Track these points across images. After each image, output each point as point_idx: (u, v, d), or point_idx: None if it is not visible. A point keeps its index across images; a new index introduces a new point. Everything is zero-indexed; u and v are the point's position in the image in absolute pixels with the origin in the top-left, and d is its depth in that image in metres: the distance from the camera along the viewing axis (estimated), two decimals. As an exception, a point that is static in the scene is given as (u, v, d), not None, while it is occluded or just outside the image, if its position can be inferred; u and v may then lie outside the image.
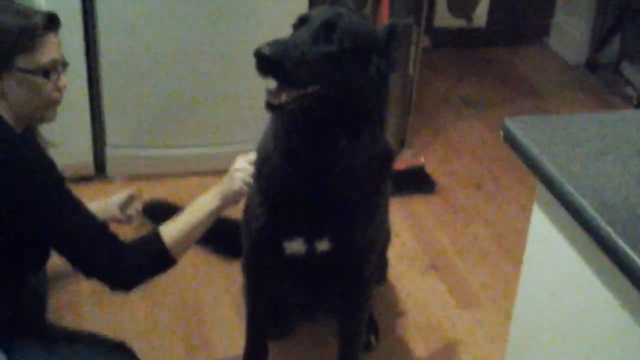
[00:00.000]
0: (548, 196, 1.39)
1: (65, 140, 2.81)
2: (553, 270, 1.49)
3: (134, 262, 1.92)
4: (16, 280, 2.01)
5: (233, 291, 2.67)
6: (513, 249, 3.00)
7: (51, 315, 2.43)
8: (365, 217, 2.02)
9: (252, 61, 2.89)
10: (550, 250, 1.48)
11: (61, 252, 1.93)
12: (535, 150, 1.41)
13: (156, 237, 1.96)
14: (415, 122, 3.62)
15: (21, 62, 1.81)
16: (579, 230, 1.32)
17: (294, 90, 1.75)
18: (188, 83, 3.04)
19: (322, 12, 1.82)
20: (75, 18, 2.80)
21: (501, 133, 1.49)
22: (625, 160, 1.40)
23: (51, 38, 1.87)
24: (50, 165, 1.87)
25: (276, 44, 1.71)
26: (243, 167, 1.98)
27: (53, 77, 1.88)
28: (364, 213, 2.01)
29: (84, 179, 3.12)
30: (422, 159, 3.39)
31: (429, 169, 3.36)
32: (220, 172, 3.09)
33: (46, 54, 1.85)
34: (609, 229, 1.24)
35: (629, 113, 1.51)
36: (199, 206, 2.03)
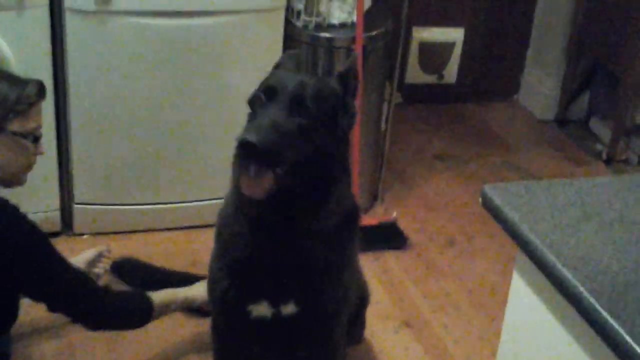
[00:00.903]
0: (528, 264, 1.38)
1: (33, 195, 2.81)
2: (533, 339, 1.47)
3: (115, 309, 2.17)
4: None
5: (201, 348, 2.61)
6: (486, 304, 2.99)
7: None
8: (332, 278, 1.99)
9: (219, 120, 2.96)
10: (530, 318, 1.46)
11: (49, 302, 2.07)
12: (514, 217, 1.40)
13: (145, 296, 2.27)
14: (388, 176, 3.62)
15: (14, 125, 1.93)
16: (560, 300, 1.30)
17: (270, 172, 1.71)
18: (157, 140, 3.04)
19: (289, 84, 1.78)
20: (46, 75, 2.77)
21: (480, 199, 1.48)
22: (607, 228, 1.39)
23: (40, 105, 2.04)
24: (32, 224, 1.98)
25: (258, 130, 1.67)
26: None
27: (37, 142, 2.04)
28: (331, 274, 1.99)
29: (52, 235, 3.03)
30: (394, 214, 3.38)
31: (401, 224, 3.35)
32: (190, 228, 3.14)
33: (34, 120, 2.01)
34: (592, 300, 1.22)
35: (608, 179, 1.51)
36: (179, 291, 2.41)
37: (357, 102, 3.04)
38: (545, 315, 1.41)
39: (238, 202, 1.86)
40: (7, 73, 2.05)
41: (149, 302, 2.25)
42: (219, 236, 1.97)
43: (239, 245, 1.91)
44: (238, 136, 1.68)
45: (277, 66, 1.96)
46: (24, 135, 1.97)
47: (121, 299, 2.22)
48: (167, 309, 2.34)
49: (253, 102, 1.81)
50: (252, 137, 1.64)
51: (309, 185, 1.79)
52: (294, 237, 1.87)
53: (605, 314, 1.21)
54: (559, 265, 1.30)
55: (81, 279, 2.12)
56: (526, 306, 1.46)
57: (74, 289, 2.06)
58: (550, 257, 1.32)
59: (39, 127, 2.04)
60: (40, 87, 2.03)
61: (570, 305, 1.28)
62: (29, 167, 2.06)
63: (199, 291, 2.41)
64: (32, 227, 1.96)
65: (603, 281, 1.27)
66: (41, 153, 2.09)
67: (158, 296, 2.29)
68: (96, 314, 2.14)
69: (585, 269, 1.30)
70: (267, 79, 1.84)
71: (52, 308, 2.10)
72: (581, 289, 1.26)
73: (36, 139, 2.03)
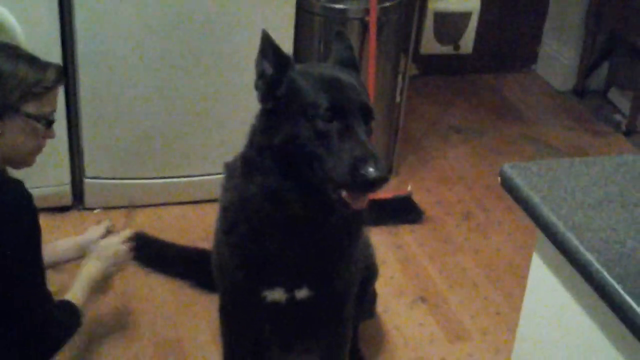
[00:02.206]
0: (549, 247, 1.33)
1: (44, 170, 2.79)
2: (554, 325, 1.43)
3: (60, 321, 2.03)
4: None
5: (214, 326, 2.59)
6: (503, 279, 2.96)
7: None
8: (343, 261, 1.98)
9: (231, 92, 2.92)
10: (551, 302, 1.42)
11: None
12: (535, 198, 1.35)
13: (68, 301, 2.11)
14: (403, 149, 3.58)
15: (29, 107, 1.92)
16: (583, 284, 1.26)
17: None
18: (168, 113, 3.01)
19: (351, 94, 1.72)
20: (55, 49, 2.75)
21: (498, 178, 1.43)
22: (631, 209, 1.34)
23: (57, 90, 2.01)
24: (35, 218, 1.91)
25: (375, 162, 1.63)
26: (116, 249, 2.34)
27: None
28: (342, 257, 1.97)
29: (62, 209, 3.07)
30: (409, 188, 3.34)
31: (416, 198, 3.31)
32: (202, 202, 3.11)
33: (50, 104, 1.98)
34: (616, 285, 1.18)
35: (632, 158, 1.45)
36: (85, 274, 2.25)
37: (370, 77, 3.03)
38: (567, 300, 1.37)
39: (271, 205, 1.79)
40: (28, 54, 1.99)
41: (73, 305, 2.11)
42: (230, 230, 1.92)
43: (259, 240, 1.88)
44: (341, 170, 1.63)
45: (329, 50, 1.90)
46: (37, 119, 1.94)
47: (60, 313, 2.06)
48: (88, 297, 2.20)
49: (268, 99, 1.76)
50: (380, 173, 1.62)
51: None
52: (314, 227, 1.84)
53: (629, 299, 1.17)
54: (581, 249, 1.26)
55: (47, 302, 1.99)
56: (547, 290, 1.42)
57: (37, 306, 1.95)
58: (573, 240, 1.27)
59: (54, 111, 2.01)
60: (60, 72, 2.01)
61: (593, 290, 1.24)
62: (38, 150, 2.02)
63: (96, 268, 2.27)
64: (34, 220, 1.90)
65: (627, 265, 1.23)
66: (52, 137, 2.05)
67: (72, 294, 2.14)
68: (47, 334, 2.00)
69: (609, 252, 1.25)
70: (310, 86, 1.72)
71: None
72: (605, 273, 1.21)
73: (49, 123, 2.00)
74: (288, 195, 1.75)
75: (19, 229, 1.87)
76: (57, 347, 2.05)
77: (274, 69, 1.76)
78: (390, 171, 1.91)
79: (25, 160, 2.03)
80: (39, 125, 1.96)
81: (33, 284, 1.94)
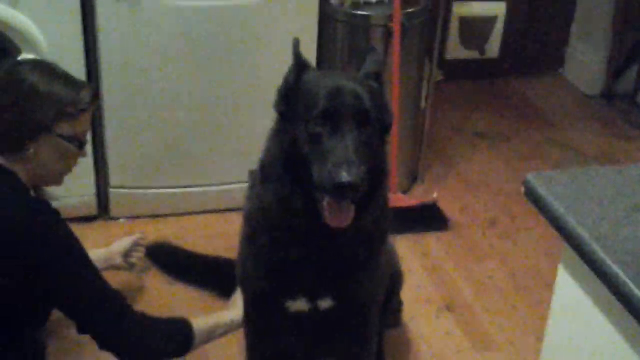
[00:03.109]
0: (575, 259, 1.30)
1: (69, 180, 2.79)
2: (581, 339, 1.40)
3: (155, 338, 2.01)
4: (18, 335, 1.99)
5: (239, 337, 2.58)
6: (530, 287, 2.92)
7: (52, 364, 2.38)
8: (366, 271, 1.96)
9: (254, 101, 2.92)
10: (577, 314, 1.39)
11: (81, 325, 1.97)
12: (560, 208, 1.32)
13: (186, 323, 2.08)
14: (428, 156, 3.55)
15: (63, 129, 1.91)
16: (610, 298, 1.23)
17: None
18: (192, 122, 3.01)
19: (347, 99, 1.70)
20: (78, 60, 2.76)
21: (522, 189, 1.40)
22: (660, 220, 1.31)
23: (91, 111, 2.00)
24: (69, 232, 1.92)
25: (349, 167, 1.60)
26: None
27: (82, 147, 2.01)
28: (368, 268, 1.95)
29: (88, 219, 3.07)
30: (435, 195, 3.31)
31: (442, 205, 3.28)
32: (226, 211, 3.10)
33: (83, 125, 1.97)
34: (645, 299, 1.15)
35: (661, 166, 1.42)
36: (224, 315, 2.22)
37: (395, 83, 3.01)
38: (594, 313, 1.34)
39: (286, 213, 1.79)
40: (63, 72, 1.99)
41: (189, 329, 2.08)
42: (253, 240, 1.91)
43: (280, 249, 1.86)
44: (321, 174, 1.62)
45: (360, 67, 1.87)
46: (70, 140, 1.93)
47: (160, 327, 2.05)
48: (211, 335, 2.16)
49: (283, 109, 1.76)
50: (351, 179, 1.58)
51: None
52: (339, 238, 1.81)
53: (659, 314, 1.14)
54: (608, 261, 1.23)
55: (117, 300, 1.98)
56: (573, 302, 1.39)
57: (106, 309, 1.94)
58: (599, 252, 1.24)
59: (87, 132, 2.01)
60: (95, 93, 2.01)
61: (620, 303, 1.21)
62: (69, 170, 2.03)
63: (240, 311, 2.24)
64: (70, 237, 1.91)
65: (656, 279, 1.20)
66: (84, 156, 2.05)
67: (201, 322, 2.12)
68: (130, 345, 1.98)
69: (637, 264, 1.22)
70: (313, 91, 1.72)
71: (81, 329, 1.99)
72: (632, 286, 1.18)
73: (82, 145, 1.99)
74: (297, 203, 1.75)
75: (56, 244, 1.87)
76: (139, 355, 2.03)
77: (294, 77, 1.77)
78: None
79: (55, 180, 2.04)
80: (72, 147, 1.95)
81: (92, 290, 1.93)
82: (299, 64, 1.78)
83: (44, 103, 1.88)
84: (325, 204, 1.67)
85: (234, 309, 2.25)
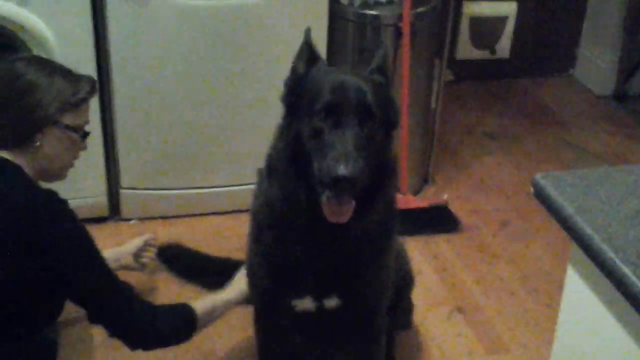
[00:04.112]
0: (584, 259, 1.29)
1: (80, 181, 2.81)
2: (590, 339, 1.39)
3: (163, 324, 2.05)
4: (30, 332, 2.00)
5: (249, 337, 2.59)
6: (541, 290, 2.91)
7: (63, 364, 2.38)
8: (373, 270, 1.96)
9: (265, 102, 2.91)
10: (587, 317, 1.38)
11: (92, 313, 2.03)
12: (569, 209, 1.31)
13: (188, 306, 2.14)
14: (439, 157, 3.54)
15: (67, 119, 1.97)
16: (620, 298, 1.22)
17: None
18: (203, 123, 3.01)
19: (350, 93, 1.69)
20: (89, 61, 2.77)
21: (531, 189, 1.39)
22: (670, 220, 1.30)
23: (89, 102, 2.05)
24: (78, 221, 1.95)
25: (347, 160, 1.59)
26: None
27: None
28: (373, 267, 1.95)
29: (99, 220, 3.08)
30: (445, 197, 3.31)
31: (452, 207, 3.27)
32: (237, 212, 3.10)
33: (84, 115, 2.03)
34: (655, 300, 1.14)
35: (670, 166, 1.41)
36: (220, 296, 2.28)
37: (405, 84, 3.01)
38: (603, 314, 1.33)
39: (289, 209, 1.79)
40: (62, 66, 2.05)
41: (192, 314, 2.13)
42: (258, 237, 1.92)
43: (284, 246, 1.86)
44: (321, 167, 1.62)
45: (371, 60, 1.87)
46: (75, 130, 2.00)
47: (166, 314, 2.10)
48: (210, 317, 2.22)
49: (292, 105, 1.76)
50: (348, 172, 1.58)
51: (366, 187, 1.72)
52: (343, 235, 1.81)
53: (668, 314, 1.13)
54: (617, 261, 1.22)
55: (125, 291, 2.04)
56: (582, 304, 1.38)
57: (116, 296, 2.00)
58: (609, 252, 1.23)
59: (87, 122, 2.07)
60: (93, 83, 2.06)
61: (629, 304, 1.20)
62: (72, 163, 2.08)
63: (236, 291, 2.33)
64: (78, 225, 1.94)
65: (665, 279, 1.19)
66: (84, 149, 2.10)
67: (200, 305, 2.18)
68: (140, 331, 2.04)
69: (647, 266, 1.22)
70: (318, 86, 1.73)
71: (92, 318, 2.05)
72: (642, 287, 1.18)
73: (85, 135, 2.06)
74: (301, 199, 1.74)
75: (65, 233, 1.89)
76: (149, 342, 2.09)
77: (305, 67, 1.78)
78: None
79: (60, 173, 2.07)
80: (76, 137, 2.00)
81: (102, 277, 1.97)
82: (310, 55, 1.79)
83: (47, 96, 1.94)
84: (324, 198, 1.66)
85: (231, 289, 2.31)
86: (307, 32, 1.80)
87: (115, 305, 2.00)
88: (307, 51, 1.79)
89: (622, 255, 1.22)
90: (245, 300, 2.29)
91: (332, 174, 1.59)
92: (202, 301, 2.21)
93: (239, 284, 2.28)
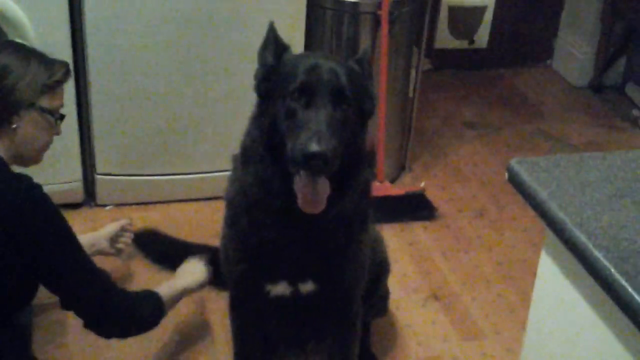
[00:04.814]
0: (557, 244, 1.30)
1: (55, 167, 2.79)
2: (562, 323, 1.40)
3: (139, 311, 2.10)
4: (1, 315, 2.00)
5: (225, 323, 2.58)
6: (517, 277, 2.92)
7: (37, 349, 2.36)
8: (348, 255, 1.97)
9: (241, 89, 2.90)
10: (559, 301, 1.39)
11: (67, 300, 2.02)
12: (542, 194, 1.32)
13: (156, 293, 2.17)
14: (416, 145, 3.55)
15: (43, 102, 2.00)
16: (591, 282, 1.23)
17: (327, 183, 1.69)
18: (178, 109, 3.00)
19: (324, 75, 1.71)
20: (65, 46, 2.75)
21: (505, 175, 1.40)
22: (641, 205, 1.31)
23: (64, 85, 2.09)
24: (53, 206, 1.95)
25: (319, 137, 1.60)
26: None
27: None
28: (348, 252, 1.96)
29: (74, 206, 3.06)
30: (422, 184, 3.31)
31: (429, 195, 3.28)
32: (213, 199, 3.10)
33: (60, 98, 2.06)
34: (625, 283, 1.15)
35: (643, 152, 1.42)
36: (177, 283, 2.34)
37: (382, 72, 3.01)
38: (575, 298, 1.34)
39: (264, 195, 1.80)
40: (36, 51, 2.07)
41: (160, 300, 2.16)
42: (233, 222, 1.93)
43: (258, 231, 1.87)
44: (294, 146, 1.63)
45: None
46: (51, 112, 2.02)
47: (139, 300, 2.13)
48: (172, 303, 2.26)
49: (264, 91, 1.79)
50: (320, 148, 1.59)
51: (339, 172, 1.72)
52: (317, 221, 1.81)
53: (637, 297, 1.14)
54: (589, 246, 1.23)
55: (103, 277, 2.06)
56: (555, 288, 1.39)
57: (91, 284, 2.00)
58: (581, 237, 1.24)
59: (62, 106, 2.09)
60: (67, 67, 2.09)
61: (601, 288, 1.21)
62: (47, 146, 2.09)
63: (192, 279, 2.38)
64: (53, 209, 1.94)
65: (636, 263, 1.20)
66: (59, 133, 2.12)
67: (164, 291, 2.21)
68: (117, 319, 2.07)
69: (618, 249, 1.22)
70: (292, 69, 1.74)
71: (66, 304, 2.04)
72: (613, 270, 1.19)
73: (61, 117, 2.08)
74: (276, 184, 1.76)
75: (40, 217, 1.89)
76: (125, 330, 2.13)
77: (274, 59, 1.80)
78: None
79: (35, 156, 2.08)
80: (52, 119, 2.02)
81: (77, 264, 1.98)
82: (277, 45, 1.81)
83: (23, 79, 1.96)
84: (297, 181, 1.68)
85: (182, 278, 2.37)
86: (271, 25, 1.83)
87: (91, 292, 2.00)
88: (274, 42, 1.81)
89: (595, 240, 1.23)
90: (200, 288, 2.41)
91: (304, 151, 1.60)
92: (164, 288, 2.23)
93: (194, 272, 2.36)
